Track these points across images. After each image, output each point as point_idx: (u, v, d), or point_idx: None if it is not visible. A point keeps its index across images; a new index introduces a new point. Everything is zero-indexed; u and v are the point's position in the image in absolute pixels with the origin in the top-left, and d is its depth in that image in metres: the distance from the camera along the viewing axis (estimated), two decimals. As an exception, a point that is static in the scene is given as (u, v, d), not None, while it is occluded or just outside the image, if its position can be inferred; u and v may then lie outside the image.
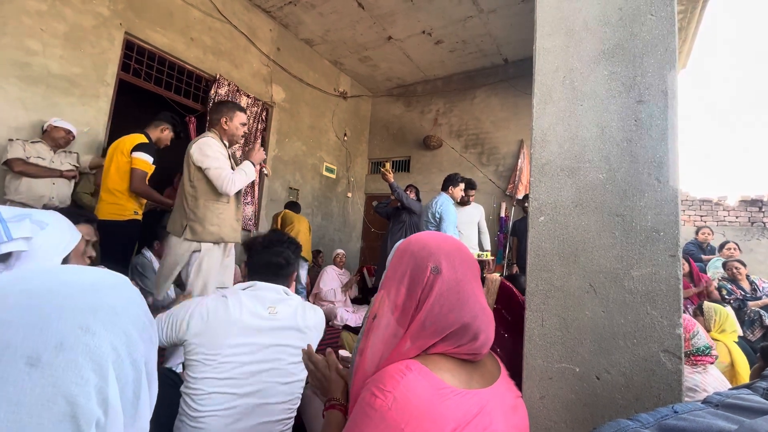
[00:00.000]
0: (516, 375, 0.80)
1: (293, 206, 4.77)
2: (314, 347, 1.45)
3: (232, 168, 2.39)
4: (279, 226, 4.66)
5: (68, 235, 0.99)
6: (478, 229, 4.27)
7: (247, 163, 2.43)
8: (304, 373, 1.42)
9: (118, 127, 3.84)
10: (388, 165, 4.03)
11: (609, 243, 0.79)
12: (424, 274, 0.76)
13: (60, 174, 2.89)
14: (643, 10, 0.83)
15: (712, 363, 1.41)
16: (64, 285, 0.34)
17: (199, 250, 2.34)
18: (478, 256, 3.81)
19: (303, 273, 4.54)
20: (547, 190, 0.87)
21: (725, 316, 2.12)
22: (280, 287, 1.42)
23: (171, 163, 5.08)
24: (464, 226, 4.05)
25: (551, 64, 0.91)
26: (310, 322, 1.42)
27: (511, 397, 0.77)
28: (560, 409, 0.80)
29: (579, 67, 0.88)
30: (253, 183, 4.81)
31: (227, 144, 2.49)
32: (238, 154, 4.34)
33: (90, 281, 0.36)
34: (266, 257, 1.40)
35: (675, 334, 0.71)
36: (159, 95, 4.09)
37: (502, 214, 5.23)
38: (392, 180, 4.05)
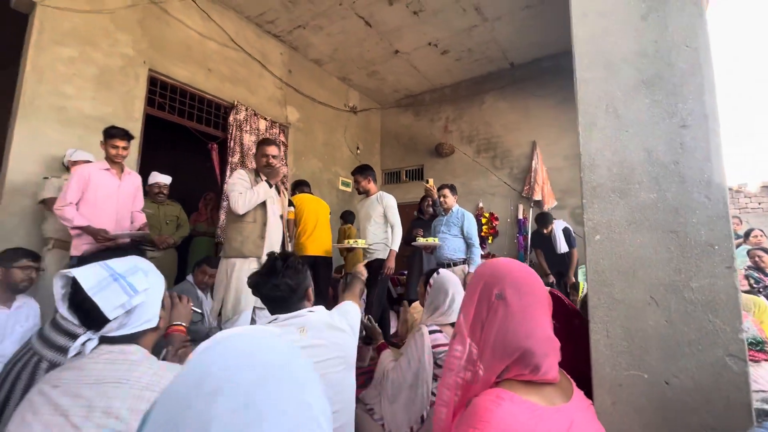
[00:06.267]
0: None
1: (348, 215, 5.15)
2: (354, 342, 1.45)
3: None
4: (344, 239, 4.73)
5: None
6: (389, 223, 3.42)
7: (261, 183, 2.60)
8: (352, 389, 1.40)
9: (147, 159, 4.01)
10: (431, 181, 4.09)
11: (666, 257, 0.86)
12: (489, 299, 0.83)
13: None
14: (677, 42, 0.91)
15: (767, 360, 1.45)
16: (285, 368, 0.41)
17: (226, 267, 2.54)
18: (348, 242, 3.41)
19: None
20: (600, 210, 0.95)
21: (764, 308, 2.13)
22: (301, 312, 1.36)
23: (194, 190, 5.25)
24: (362, 221, 3.51)
25: (593, 94, 1.00)
26: (345, 324, 1.43)
27: (588, 406, 0.84)
28: (632, 413, 0.86)
29: (621, 96, 0.96)
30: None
31: (263, 175, 2.68)
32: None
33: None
34: (266, 293, 1.35)
35: (738, 339, 0.78)
36: (182, 125, 4.26)
37: (520, 216, 5.28)
38: (436, 196, 4.11)
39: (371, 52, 5.43)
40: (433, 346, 1.68)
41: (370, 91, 6.68)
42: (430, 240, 3.83)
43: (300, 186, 4.24)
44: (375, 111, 7.05)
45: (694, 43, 0.89)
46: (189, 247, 4.68)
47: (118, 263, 0.97)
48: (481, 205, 5.71)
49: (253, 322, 2.81)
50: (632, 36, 0.96)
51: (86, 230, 2.53)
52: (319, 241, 3.64)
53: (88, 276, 0.91)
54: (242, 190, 2.53)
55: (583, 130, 0.99)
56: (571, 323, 1.47)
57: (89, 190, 2.61)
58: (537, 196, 5.05)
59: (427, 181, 4.17)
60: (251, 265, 2.58)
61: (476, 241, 3.70)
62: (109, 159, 2.71)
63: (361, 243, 3.43)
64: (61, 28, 3.22)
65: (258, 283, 1.35)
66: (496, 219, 5.51)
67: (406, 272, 5.51)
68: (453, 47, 5.29)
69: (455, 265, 3.62)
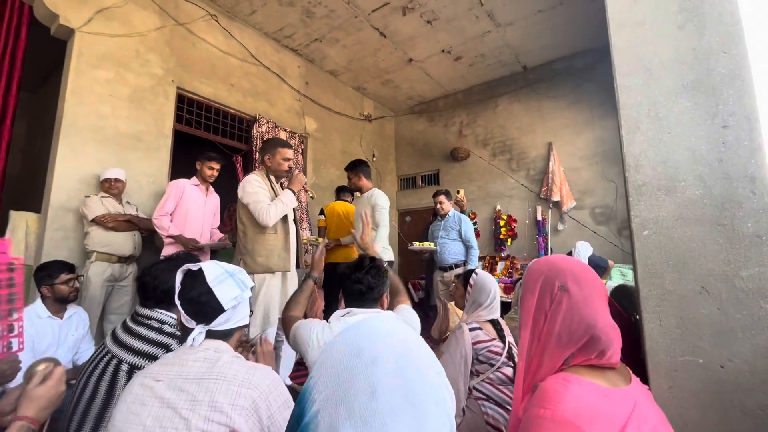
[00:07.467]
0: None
1: None
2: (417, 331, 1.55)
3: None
4: None
5: None
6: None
7: (286, 192, 2.52)
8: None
9: (175, 173, 4.16)
10: (462, 192, 4.23)
11: (715, 249, 0.92)
12: (552, 290, 0.90)
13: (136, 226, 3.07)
14: (715, 49, 0.98)
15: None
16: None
17: (254, 282, 2.48)
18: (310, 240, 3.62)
19: None
20: (647, 207, 1.01)
21: None
22: (372, 310, 1.48)
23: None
24: (355, 221, 3.43)
25: (634, 99, 1.07)
26: (412, 325, 1.54)
27: (646, 390, 0.90)
28: (689, 396, 0.92)
29: (662, 101, 1.03)
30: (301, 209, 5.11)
31: (274, 179, 2.65)
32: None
33: (413, 331, 0.54)
34: (349, 285, 1.48)
35: (790, 323, 0.84)
36: (207, 140, 4.41)
37: (539, 217, 5.30)
38: (465, 205, 4.21)
39: (385, 61, 5.55)
40: (474, 343, 1.74)
41: (384, 99, 6.81)
42: (426, 245, 3.89)
43: (339, 192, 4.35)
44: (389, 118, 7.17)
45: (732, 50, 0.96)
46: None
47: (225, 264, 1.08)
48: (498, 207, 5.75)
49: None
50: (670, 44, 1.03)
51: (178, 239, 2.75)
52: (344, 249, 3.73)
53: (209, 270, 1.02)
54: (267, 200, 2.44)
55: (626, 133, 1.06)
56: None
57: (182, 203, 2.90)
58: (555, 197, 5.08)
59: (458, 192, 4.32)
60: (278, 281, 2.53)
61: (474, 243, 3.81)
62: (202, 177, 3.11)
63: (313, 239, 3.67)
64: (98, 52, 3.40)
65: (345, 274, 1.49)
66: (515, 221, 5.55)
67: (424, 276, 5.58)
68: (466, 53, 5.38)
69: (456, 267, 3.70)
